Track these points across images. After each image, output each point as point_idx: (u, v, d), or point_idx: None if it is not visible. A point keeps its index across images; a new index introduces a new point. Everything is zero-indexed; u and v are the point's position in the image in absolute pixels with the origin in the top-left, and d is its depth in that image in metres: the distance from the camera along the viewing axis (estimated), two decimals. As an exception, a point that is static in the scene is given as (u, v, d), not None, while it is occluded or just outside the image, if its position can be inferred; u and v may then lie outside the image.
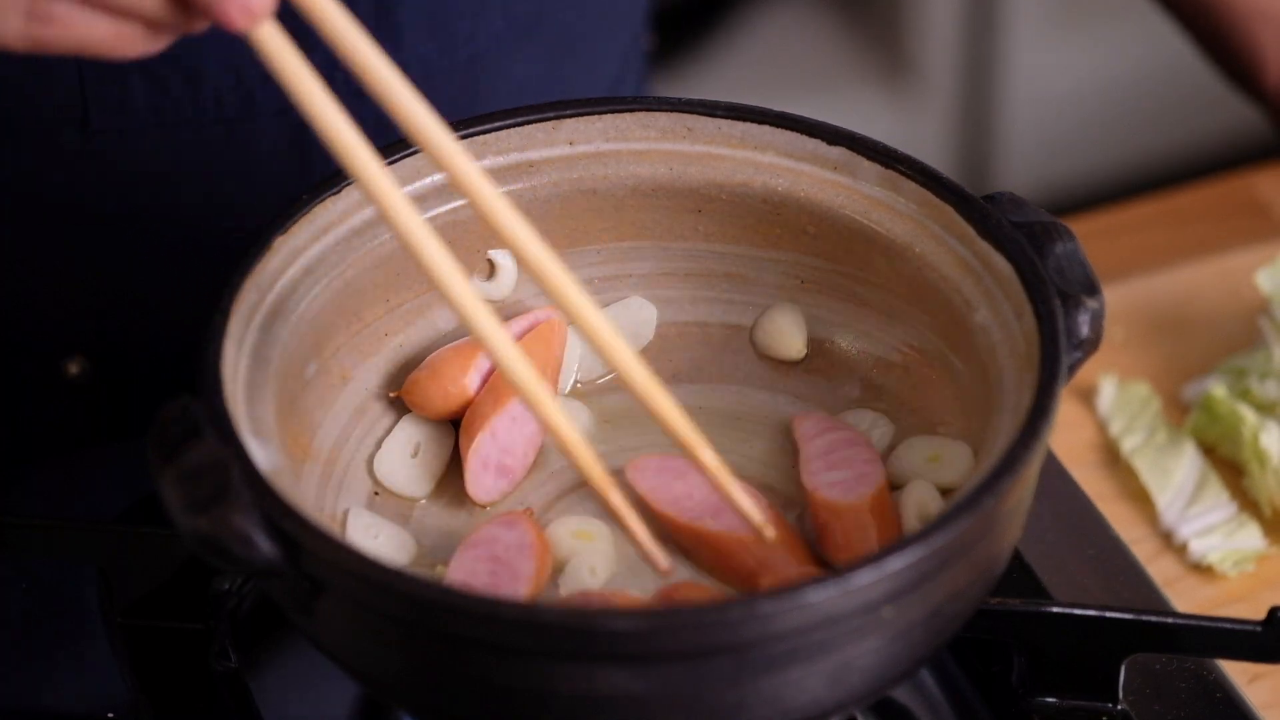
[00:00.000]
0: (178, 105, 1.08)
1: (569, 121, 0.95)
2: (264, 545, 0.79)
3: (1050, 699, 0.92)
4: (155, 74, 1.07)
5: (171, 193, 1.11)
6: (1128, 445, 1.15)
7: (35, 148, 1.08)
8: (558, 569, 0.89)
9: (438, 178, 0.94)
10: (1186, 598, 1.07)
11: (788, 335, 0.97)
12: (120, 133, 1.08)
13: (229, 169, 1.12)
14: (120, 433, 1.17)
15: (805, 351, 0.97)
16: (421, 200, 0.94)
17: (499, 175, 0.95)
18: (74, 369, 1.15)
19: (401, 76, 0.81)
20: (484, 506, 0.92)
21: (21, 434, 1.18)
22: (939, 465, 0.91)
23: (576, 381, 0.98)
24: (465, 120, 0.94)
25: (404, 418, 0.94)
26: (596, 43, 1.21)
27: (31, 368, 1.15)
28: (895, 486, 0.91)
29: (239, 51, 1.07)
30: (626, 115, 0.95)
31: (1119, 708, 0.91)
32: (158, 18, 0.77)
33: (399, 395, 0.94)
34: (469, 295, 0.82)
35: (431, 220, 0.94)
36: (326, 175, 0.92)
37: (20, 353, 1.15)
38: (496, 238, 0.84)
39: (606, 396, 0.97)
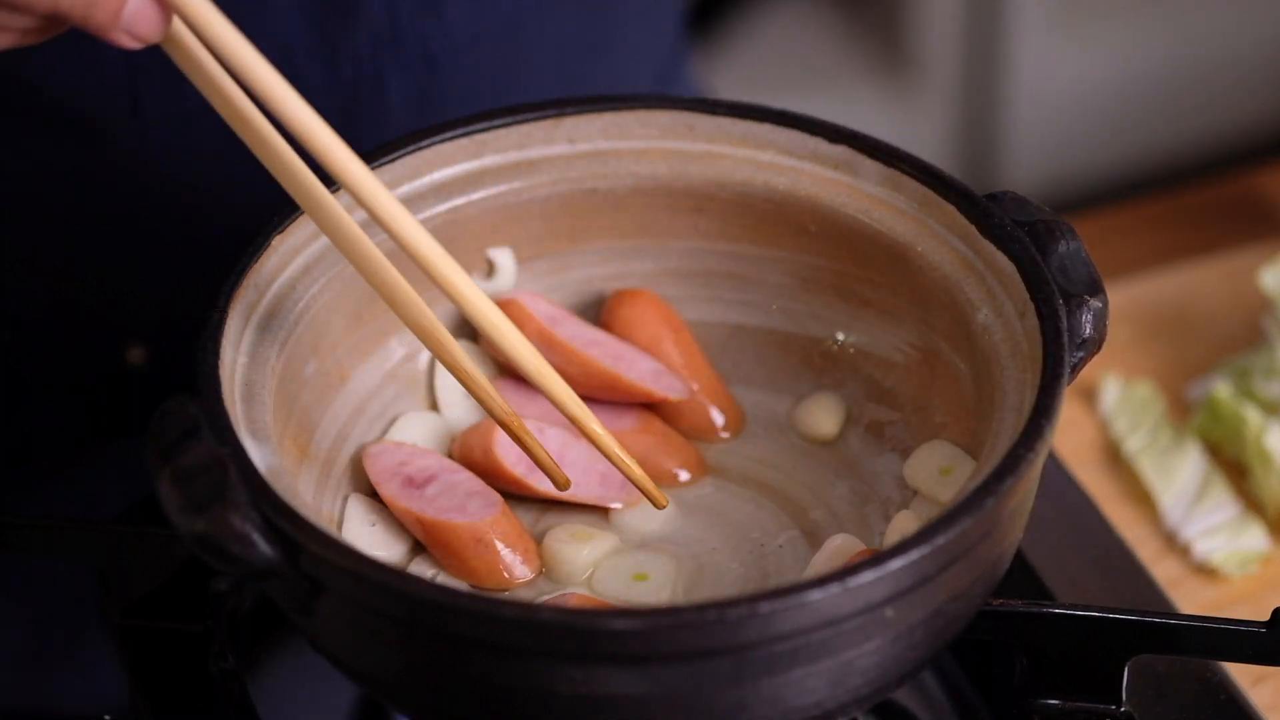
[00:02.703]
0: None
1: (569, 119, 0.95)
2: (262, 545, 0.78)
3: (1053, 701, 0.91)
4: None
5: (225, 178, 1.11)
6: (1131, 446, 1.14)
7: (88, 139, 1.08)
8: (549, 569, 0.90)
9: (437, 176, 0.94)
10: (1190, 599, 1.07)
11: (823, 419, 0.96)
12: (171, 121, 1.08)
13: None
14: None
15: (837, 432, 0.96)
16: (421, 199, 0.93)
17: (499, 174, 0.95)
18: (135, 356, 1.16)
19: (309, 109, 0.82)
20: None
21: (81, 423, 1.18)
22: (949, 479, 0.90)
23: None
24: (465, 119, 0.94)
25: (351, 496, 0.93)
26: (630, 2, 1.21)
27: (94, 354, 1.15)
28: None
29: (286, 30, 1.08)
30: (627, 113, 0.95)
31: (1122, 710, 0.91)
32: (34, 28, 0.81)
33: None
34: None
35: (430, 219, 0.94)
36: (325, 174, 0.91)
37: (83, 339, 1.15)
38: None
39: (686, 491, 0.95)
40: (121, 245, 1.13)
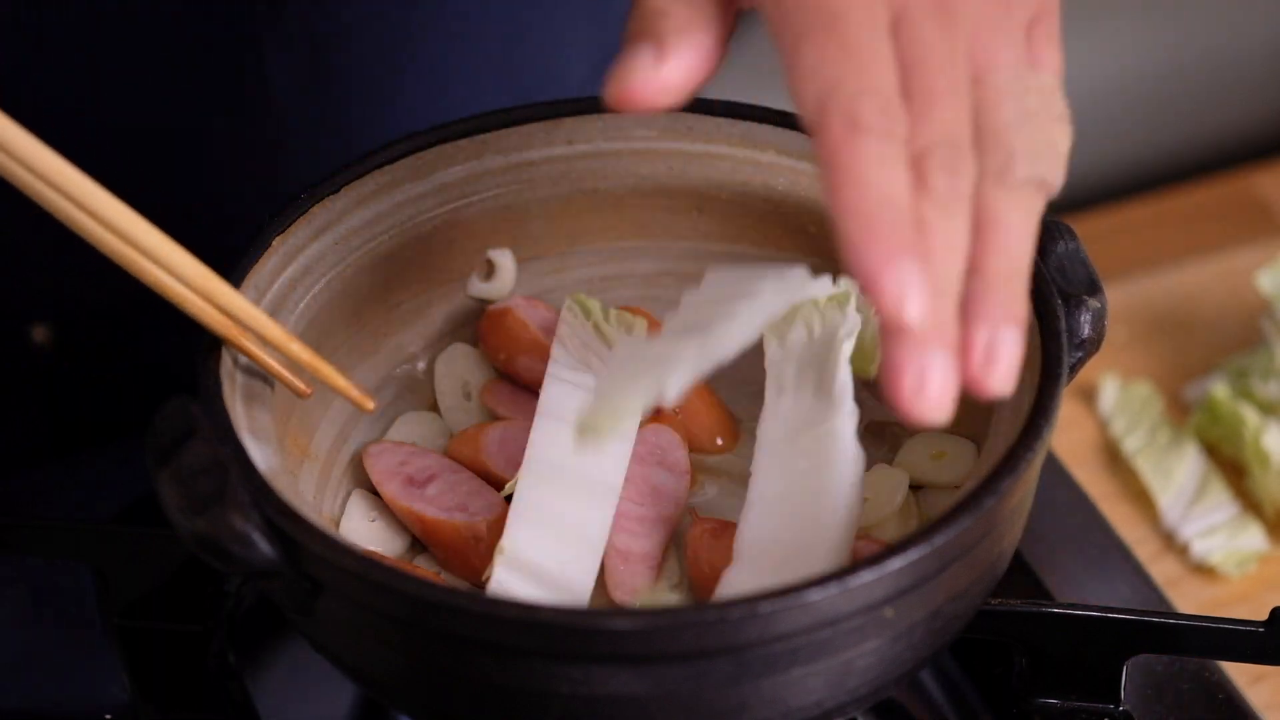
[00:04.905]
0: (104, 64, 1.07)
1: (568, 120, 0.95)
2: (263, 546, 0.78)
3: (1052, 700, 0.92)
4: (78, 35, 1.05)
5: (127, 159, 1.10)
6: (1129, 445, 1.15)
7: None
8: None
9: (437, 177, 0.94)
10: (1188, 598, 1.07)
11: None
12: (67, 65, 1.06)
13: (180, 132, 1.11)
14: (75, 443, 1.16)
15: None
16: (421, 199, 0.94)
17: (499, 174, 0.95)
18: (39, 336, 1.14)
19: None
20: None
21: None
22: (944, 462, 0.90)
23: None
24: (464, 119, 0.94)
25: (354, 491, 0.93)
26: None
27: None
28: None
29: (164, 7, 1.06)
30: (626, 114, 0.95)
31: (1121, 709, 0.91)
32: None
33: None
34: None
35: (430, 220, 0.94)
36: (327, 173, 0.92)
37: None
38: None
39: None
40: (22, 214, 1.11)
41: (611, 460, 0.88)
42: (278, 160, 1.13)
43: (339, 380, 0.89)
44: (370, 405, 0.90)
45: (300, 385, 0.88)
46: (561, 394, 0.89)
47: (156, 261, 0.83)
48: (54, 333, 1.14)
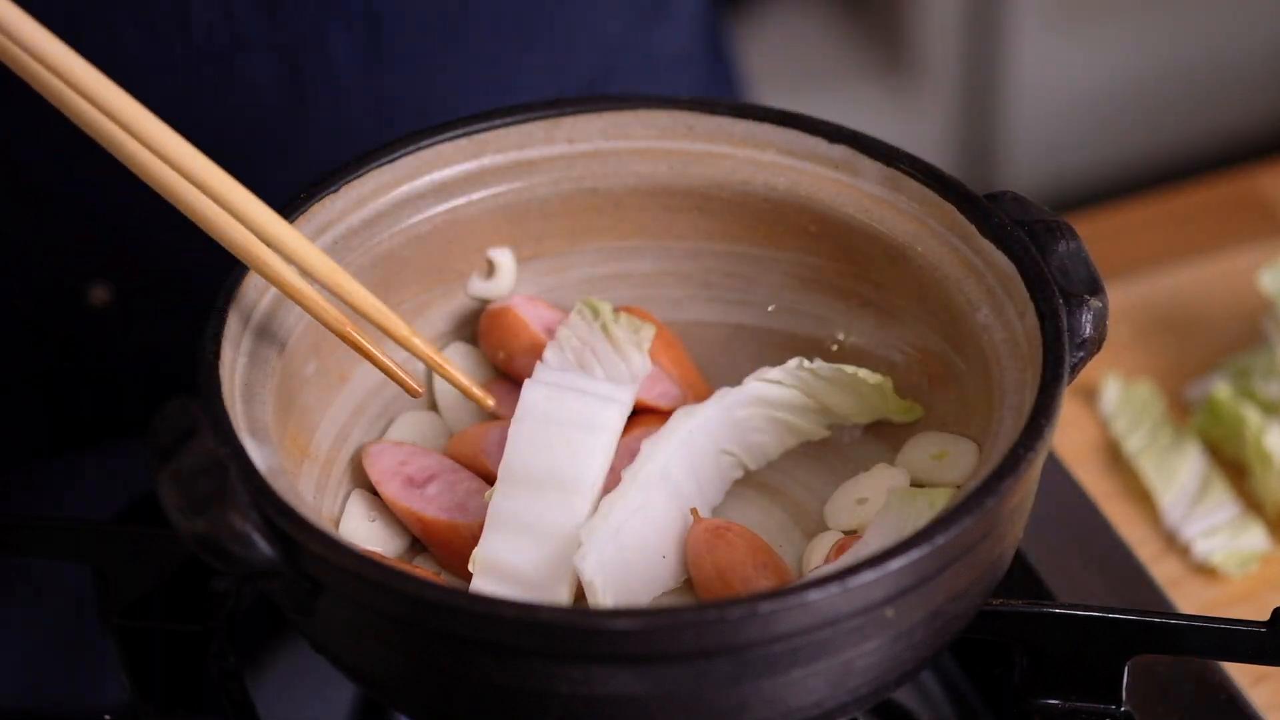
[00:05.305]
0: (168, 45, 1.07)
1: (569, 119, 0.95)
2: (262, 546, 0.78)
3: (1053, 700, 0.91)
4: (143, 16, 1.06)
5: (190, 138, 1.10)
6: (1131, 445, 1.14)
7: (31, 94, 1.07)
8: None
9: (436, 176, 0.94)
10: (1190, 599, 1.07)
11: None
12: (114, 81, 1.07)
13: (223, 107, 1.11)
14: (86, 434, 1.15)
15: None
16: (420, 199, 0.93)
17: (498, 174, 0.95)
18: (98, 297, 1.14)
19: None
20: None
21: (41, 372, 1.17)
22: (945, 462, 0.90)
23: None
24: (465, 119, 0.94)
25: (354, 491, 0.93)
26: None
27: (57, 293, 1.14)
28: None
29: None
30: (627, 113, 0.95)
31: (1122, 709, 0.91)
32: None
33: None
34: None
35: (430, 219, 0.94)
36: (326, 173, 0.91)
37: (45, 277, 1.14)
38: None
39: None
40: (80, 169, 1.11)
41: (589, 459, 0.88)
42: (342, 136, 1.14)
43: (459, 378, 0.91)
44: (491, 403, 0.93)
45: (413, 384, 0.90)
46: (539, 397, 0.90)
47: (285, 255, 0.85)
48: (113, 294, 1.14)
